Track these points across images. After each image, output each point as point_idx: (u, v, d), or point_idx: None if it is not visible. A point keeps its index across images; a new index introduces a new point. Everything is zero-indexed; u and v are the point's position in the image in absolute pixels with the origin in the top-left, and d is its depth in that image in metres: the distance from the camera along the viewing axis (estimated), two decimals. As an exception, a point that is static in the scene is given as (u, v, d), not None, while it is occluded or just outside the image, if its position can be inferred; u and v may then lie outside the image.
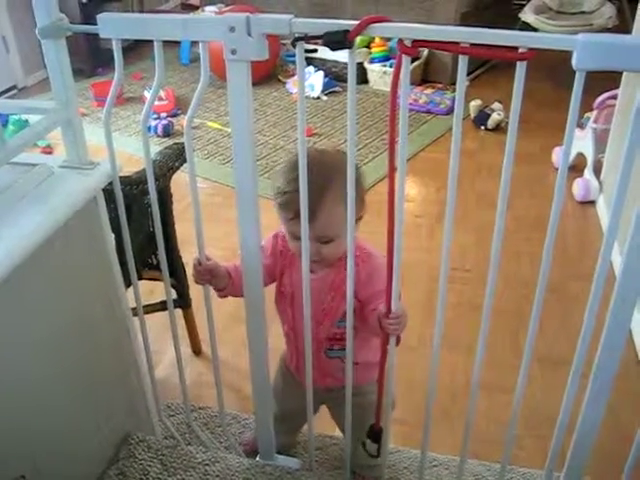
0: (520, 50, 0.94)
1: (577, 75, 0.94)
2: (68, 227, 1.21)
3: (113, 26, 1.15)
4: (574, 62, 0.91)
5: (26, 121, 3.88)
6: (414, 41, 0.99)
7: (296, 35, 1.04)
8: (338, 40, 1.00)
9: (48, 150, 3.85)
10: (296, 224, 1.29)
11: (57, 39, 1.18)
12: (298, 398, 1.51)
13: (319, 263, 1.40)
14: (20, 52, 4.98)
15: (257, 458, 1.62)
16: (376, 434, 1.44)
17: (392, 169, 1.12)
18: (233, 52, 1.07)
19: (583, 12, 4.56)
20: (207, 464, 1.49)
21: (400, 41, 1.00)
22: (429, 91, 4.54)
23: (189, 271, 2.09)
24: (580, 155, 3.38)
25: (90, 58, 5.06)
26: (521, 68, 0.98)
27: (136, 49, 5.27)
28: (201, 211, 1.33)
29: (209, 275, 1.41)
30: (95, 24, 1.14)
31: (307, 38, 1.04)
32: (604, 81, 2.86)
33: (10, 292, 1.11)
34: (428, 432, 1.44)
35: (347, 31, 0.99)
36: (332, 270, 1.41)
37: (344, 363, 1.40)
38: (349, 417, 1.46)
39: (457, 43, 0.97)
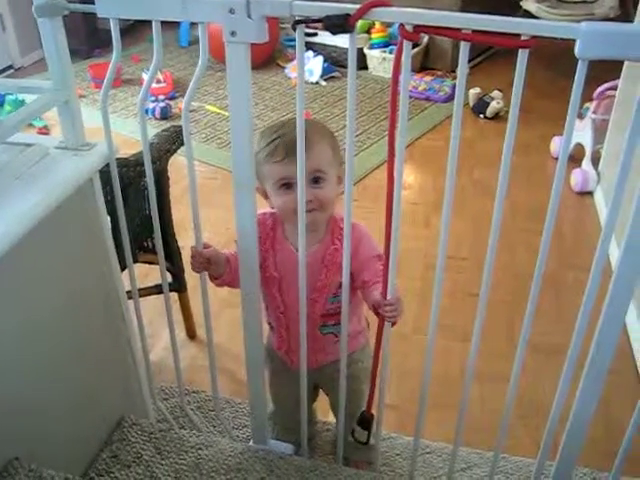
0: (522, 37, 0.94)
1: (579, 64, 0.93)
2: (63, 208, 1.20)
3: (111, 5, 1.13)
4: (577, 51, 0.90)
5: (23, 101, 3.86)
6: (416, 26, 0.98)
7: (296, 18, 1.03)
8: (339, 24, 0.99)
9: (45, 131, 3.83)
10: (289, 163, 1.29)
11: (54, 18, 1.17)
12: (291, 385, 1.51)
13: (313, 222, 1.37)
14: (17, 31, 4.94)
15: (250, 442, 1.63)
16: (366, 421, 1.45)
17: (392, 155, 1.12)
18: (233, 34, 1.06)
19: (585, 1, 4.53)
20: (200, 448, 1.50)
21: (402, 26, 0.99)
22: (428, 78, 4.52)
23: (185, 255, 2.10)
24: (579, 145, 3.37)
25: (88, 39, 5.03)
26: (523, 56, 0.97)
27: (135, 31, 5.24)
28: (198, 195, 1.32)
29: (207, 262, 1.40)
30: (93, 3, 1.13)
31: (307, 21, 1.03)
32: (604, 72, 2.85)
33: (4, 274, 1.10)
34: (422, 419, 1.44)
35: (348, 15, 0.98)
36: (321, 246, 1.41)
37: (336, 337, 1.43)
38: (343, 390, 1.46)
39: (459, 29, 0.96)
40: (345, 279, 1.29)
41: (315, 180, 1.34)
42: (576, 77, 0.95)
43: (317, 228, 1.41)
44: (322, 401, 1.79)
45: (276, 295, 1.47)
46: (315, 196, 1.34)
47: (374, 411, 1.44)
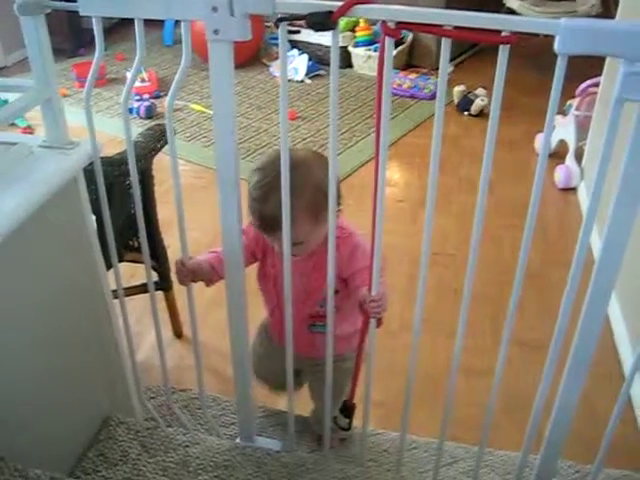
0: (503, 34, 0.95)
1: (559, 59, 0.94)
2: (47, 207, 1.19)
3: (93, 3, 1.13)
4: (556, 46, 0.91)
5: (6, 101, 3.82)
6: (398, 23, 0.99)
7: (279, 15, 1.03)
8: (321, 21, 1.00)
9: (28, 131, 3.80)
10: (262, 232, 1.38)
11: (36, 16, 1.16)
12: (276, 359, 1.52)
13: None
14: (0, 30, 4.89)
15: (237, 440, 1.63)
16: (348, 409, 1.48)
17: (379, 153, 1.12)
18: (216, 32, 1.06)
19: (567, -1, 4.56)
20: (187, 445, 1.50)
21: (384, 23, 1.00)
22: (413, 76, 4.54)
23: (171, 254, 2.09)
24: (562, 142, 3.40)
25: (72, 38, 5.00)
26: (504, 52, 0.98)
27: (119, 30, 5.21)
28: (183, 195, 1.33)
29: (192, 275, 1.43)
30: (75, 1, 1.12)
31: (290, 19, 1.04)
32: (586, 69, 2.88)
33: (-12, 272, 1.10)
34: (407, 414, 1.45)
35: (331, 12, 0.99)
36: (315, 252, 1.42)
37: (325, 337, 1.43)
38: (329, 390, 1.47)
39: (441, 26, 0.97)
40: (330, 291, 1.30)
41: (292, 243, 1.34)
42: (556, 73, 0.96)
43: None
44: (305, 395, 1.80)
45: (272, 290, 1.52)
46: (293, 251, 1.34)
47: (360, 406, 1.46)
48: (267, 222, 1.34)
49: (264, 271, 1.51)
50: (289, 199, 1.20)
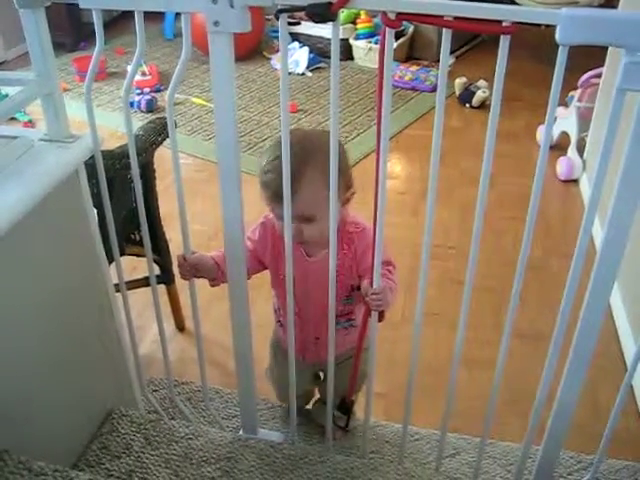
0: (504, 24, 0.94)
1: (560, 50, 0.94)
2: (49, 201, 1.19)
3: (93, -4, 1.13)
4: (557, 36, 0.91)
5: (6, 95, 3.82)
6: (398, 14, 0.98)
7: (279, 7, 1.03)
8: (322, 12, 0.99)
9: (29, 125, 3.80)
10: (274, 204, 1.33)
11: (36, 9, 1.16)
12: (304, 377, 1.58)
13: (311, 245, 1.42)
14: (0, 24, 4.88)
15: (240, 432, 1.64)
16: (346, 407, 1.48)
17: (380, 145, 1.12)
18: (215, 24, 1.06)
19: (569, -11, 4.54)
20: (190, 438, 1.50)
21: (384, 14, 0.99)
22: (414, 68, 4.53)
23: (173, 247, 2.09)
24: (564, 134, 3.39)
25: (72, 32, 4.99)
26: (505, 42, 0.98)
27: (119, 23, 5.20)
28: (185, 189, 1.32)
29: (194, 270, 1.42)
30: (75, -6, 1.12)
31: (290, 10, 1.03)
32: (588, 59, 2.87)
33: (-10, 266, 1.10)
34: (410, 406, 1.46)
35: (330, 3, 0.98)
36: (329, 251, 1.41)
37: (347, 330, 1.51)
38: (331, 383, 1.47)
39: (441, 16, 0.96)
40: (331, 291, 1.31)
41: (304, 219, 1.35)
42: (557, 63, 0.96)
43: (320, 240, 1.39)
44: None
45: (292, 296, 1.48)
46: (300, 233, 1.35)
47: (361, 399, 1.46)
48: (274, 195, 1.32)
49: (280, 278, 1.46)
50: (289, 196, 1.20)
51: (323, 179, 1.22)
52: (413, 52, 4.76)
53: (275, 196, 1.29)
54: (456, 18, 0.95)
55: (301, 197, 1.28)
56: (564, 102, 3.42)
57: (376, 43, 4.58)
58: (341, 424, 1.54)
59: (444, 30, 0.99)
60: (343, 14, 4.37)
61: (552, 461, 1.44)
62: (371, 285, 1.29)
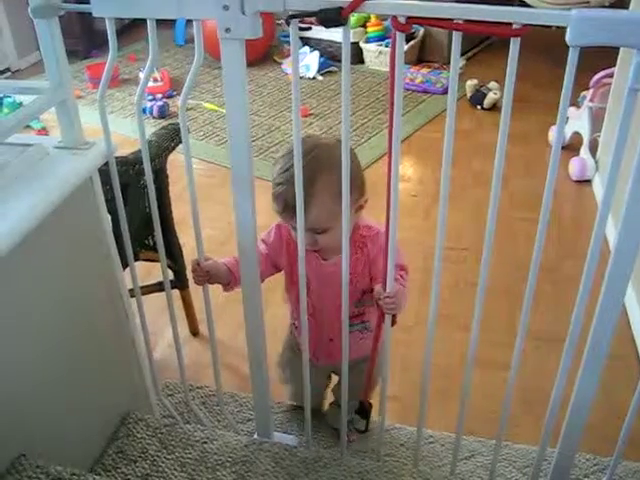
0: (514, 26, 0.94)
1: (571, 51, 0.94)
2: (63, 208, 1.20)
3: (106, 5, 1.14)
4: (568, 38, 0.91)
5: (20, 104, 3.86)
6: (408, 18, 0.99)
7: (290, 13, 1.04)
8: (332, 17, 1.00)
9: (43, 132, 3.83)
10: (286, 217, 1.36)
11: (50, 18, 1.17)
12: (319, 379, 1.59)
13: (325, 250, 1.43)
14: (14, 34, 4.94)
15: (255, 435, 1.64)
16: (364, 410, 1.48)
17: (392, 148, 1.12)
18: (227, 30, 1.06)
19: (580, -10, 4.52)
20: (205, 442, 1.51)
21: (394, 18, 1.00)
22: (425, 71, 4.53)
23: (186, 253, 2.11)
24: (576, 134, 3.38)
25: (85, 40, 5.03)
26: (515, 44, 0.98)
27: (131, 31, 5.24)
28: (197, 194, 1.33)
29: (208, 275, 1.43)
30: (88, 3, 1.13)
31: (301, 15, 1.04)
32: (600, 59, 2.86)
33: (6, 273, 1.11)
34: (424, 409, 1.45)
35: (341, 8, 0.99)
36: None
37: (362, 334, 1.53)
38: (345, 385, 1.47)
39: (451, 19, 0.97)
40: (344, 294, 1.31)
41: (318, 231, 1.36)
42: (568, 64, 0.96)
43: (335, 246, 1.38)
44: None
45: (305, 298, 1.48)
46: (315, 243, 1.37)
47: (375, 402, 1.46)
48: (287, 206, 1.33)
49: (294, 280, 1.45)
50: (302, 194, 1.20)
51: (335, 194, 1.22)
52: (424, 54, 4.76)
53: (287, 208, 1.32)
54: (466, 21, 0.95)
55: (314, 213, 1.31)
56: (576, 102, 3.41)
57: (386, 46, 4.59)
58: (360, 427, 1.54)
59: (454, 33, 0.99)
60: (353, 18, 4.38)
61: (568, 463, 1.43)
62: (384, 289, 1.29)
